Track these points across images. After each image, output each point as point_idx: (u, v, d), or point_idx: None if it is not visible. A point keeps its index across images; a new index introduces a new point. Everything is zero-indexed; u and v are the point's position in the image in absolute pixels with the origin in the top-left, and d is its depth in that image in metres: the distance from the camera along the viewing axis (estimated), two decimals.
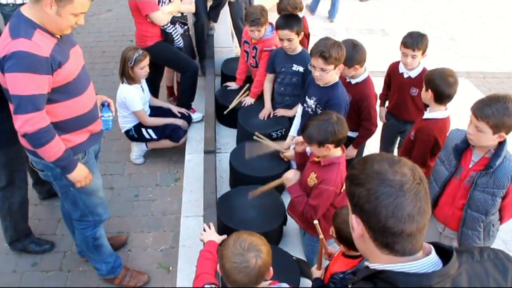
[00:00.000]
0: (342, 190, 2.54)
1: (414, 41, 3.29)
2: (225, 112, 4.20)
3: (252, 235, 1.79)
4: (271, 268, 1.79)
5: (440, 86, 2.76)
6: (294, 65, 3.57)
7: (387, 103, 3.82)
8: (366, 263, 1.20)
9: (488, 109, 2.23)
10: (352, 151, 3.44)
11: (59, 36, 2.28)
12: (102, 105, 2.83)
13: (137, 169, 4.28)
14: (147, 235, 3.60)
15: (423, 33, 3.35)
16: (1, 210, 3.16)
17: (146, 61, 3.89)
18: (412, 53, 3.30)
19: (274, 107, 3.91)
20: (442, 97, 2.80)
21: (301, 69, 3.56)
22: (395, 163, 1.11)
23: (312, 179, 2.55)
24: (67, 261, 3.33)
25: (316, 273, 2.23)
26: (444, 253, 1.13)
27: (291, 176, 2.68)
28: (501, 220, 2.56)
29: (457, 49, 7.13)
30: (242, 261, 1.69)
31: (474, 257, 1.15)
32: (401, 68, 3.49)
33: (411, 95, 3.47)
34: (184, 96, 4.51)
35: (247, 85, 4.32)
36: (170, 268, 3.19)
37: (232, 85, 4.40)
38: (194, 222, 3.25)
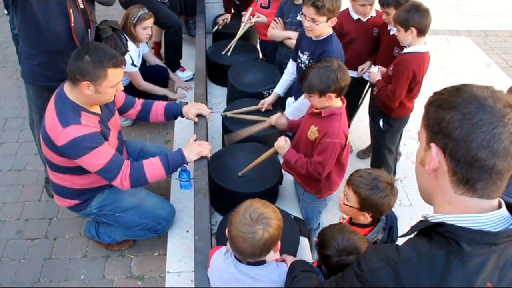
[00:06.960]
0: (347, 143, 2.38)
1: None
2: (223, 54, 4.07)
3: (266, 206, 1.73)
4: (279, 242, 1.74)
5: (421, 18, 2.68)
6: (298, 14, 3.26)
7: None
8: (423, 216, 1.04)
9: None
10: None
11: (100, 112, 2.40)
12: (182, 169, 2.91)
13: (125, 131, 4.07)
14: None
15: None
16: None
17: (150, 22, 3.68)
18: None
19: (278, 59, 3.67)
20: (425, 29, 2.73)
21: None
22: (496, 91, 0.97)
23: (313, 132, 2.37)
24: (52, 228, 3.21)
25: None
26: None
27: (282, 143, 2.53)
28: None
29: (457, 7, 6.85)
30: (249, 232, 1.65)
31: None
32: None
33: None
34: (170, 54, 4.33)
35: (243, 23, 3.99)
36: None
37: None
38: None
